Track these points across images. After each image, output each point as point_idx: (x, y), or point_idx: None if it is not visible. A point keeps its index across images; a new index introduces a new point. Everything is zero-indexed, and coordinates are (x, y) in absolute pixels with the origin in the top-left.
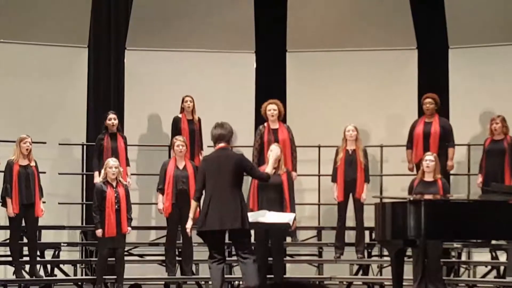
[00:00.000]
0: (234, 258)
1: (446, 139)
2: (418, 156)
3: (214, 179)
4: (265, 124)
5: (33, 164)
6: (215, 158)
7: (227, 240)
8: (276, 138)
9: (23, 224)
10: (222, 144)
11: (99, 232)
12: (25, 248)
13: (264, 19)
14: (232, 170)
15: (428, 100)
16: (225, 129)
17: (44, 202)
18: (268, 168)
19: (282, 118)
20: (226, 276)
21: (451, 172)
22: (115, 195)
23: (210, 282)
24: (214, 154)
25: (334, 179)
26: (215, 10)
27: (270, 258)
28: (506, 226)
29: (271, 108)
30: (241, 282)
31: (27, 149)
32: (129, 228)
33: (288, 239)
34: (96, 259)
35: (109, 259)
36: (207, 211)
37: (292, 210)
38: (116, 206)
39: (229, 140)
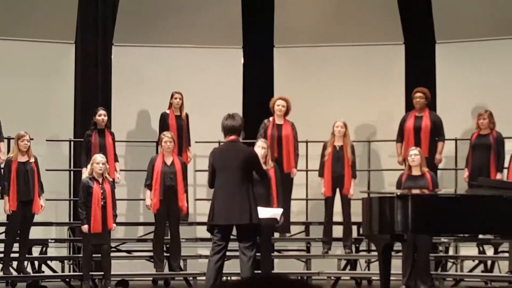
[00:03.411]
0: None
1: (437, 133)
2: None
3: (221, 173)
4: (270, 118)
5: (32, 160)
6: (222, 152)
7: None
8: (280, 133)
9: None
10: (232, 137)
11: (85, 228)
12: (15, 245)
13: (251, 15)
14: (240, 165)
15: (418, 94)
16: (236, 121)
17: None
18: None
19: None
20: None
21: (439, 166)
22: (101, 191)
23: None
24: (222, 147)
25: (321, 174)
26: (203, 5)
27: (258, 254)
28: (493, 221)
29: (280, 103)
30: (229, 278)
31: (25, 147)
32: (114, 225)
33: (276, 235)
34: None
35: (96, 255)
36: (215, 206)
37: (280, 205)
38: (102, 202)
39: (239, 132)
